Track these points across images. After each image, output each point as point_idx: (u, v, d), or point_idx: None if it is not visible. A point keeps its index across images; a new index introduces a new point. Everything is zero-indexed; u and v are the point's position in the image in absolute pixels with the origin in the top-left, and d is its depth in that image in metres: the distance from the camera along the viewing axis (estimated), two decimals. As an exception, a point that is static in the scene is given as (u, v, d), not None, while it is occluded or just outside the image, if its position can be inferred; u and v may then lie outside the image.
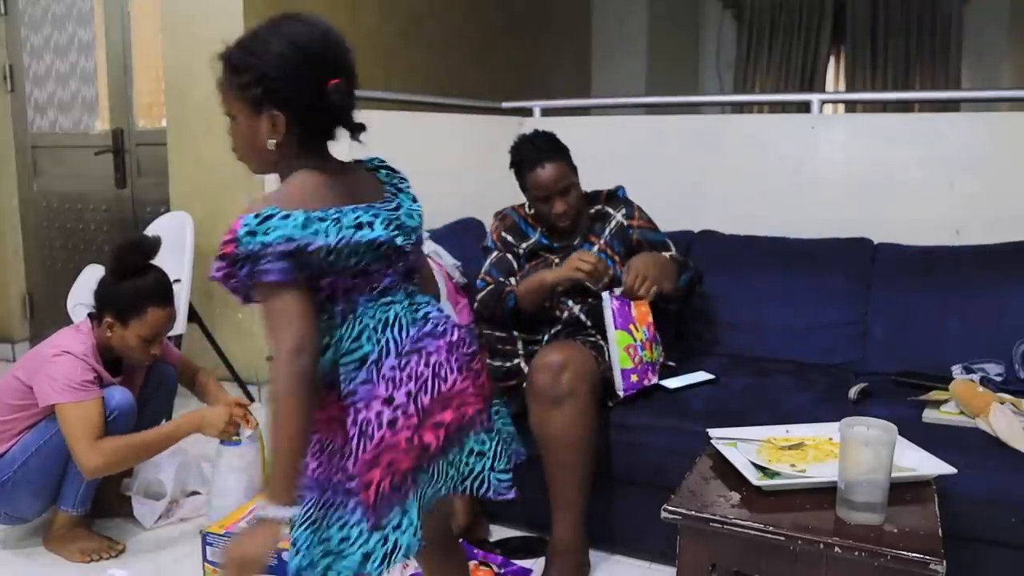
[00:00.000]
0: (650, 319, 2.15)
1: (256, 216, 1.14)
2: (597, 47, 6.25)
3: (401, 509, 1.19)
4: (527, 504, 2.15)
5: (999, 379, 2.08)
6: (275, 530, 1.16)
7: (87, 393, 1.95)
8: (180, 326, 2.97)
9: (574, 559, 1.90)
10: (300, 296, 1.17)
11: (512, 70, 5.10)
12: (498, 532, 2.18)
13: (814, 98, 2.92)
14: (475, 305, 2.31)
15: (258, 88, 1.19)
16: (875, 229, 2.60)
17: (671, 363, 2.35)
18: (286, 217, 1.14)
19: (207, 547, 1.93)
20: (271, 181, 3.24)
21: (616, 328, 2.05)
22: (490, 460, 1.32)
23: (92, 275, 3.00)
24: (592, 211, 2.33)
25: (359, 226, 1.20)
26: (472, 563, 1.92)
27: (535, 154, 2.18)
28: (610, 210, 2.33)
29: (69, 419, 1.93)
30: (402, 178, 1.37)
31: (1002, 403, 1.87)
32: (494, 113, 3.58)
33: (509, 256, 2.32)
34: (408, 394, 1.21)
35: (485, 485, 1.31)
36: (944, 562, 1.24)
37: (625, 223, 2.32)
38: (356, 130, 1.27)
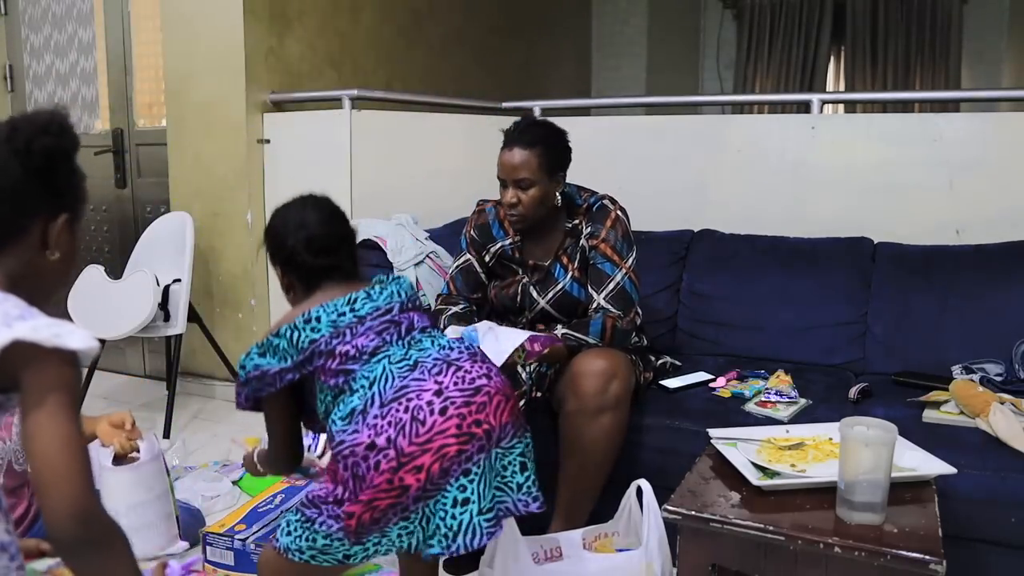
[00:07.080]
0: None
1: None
2: (597, 47, 6.25)
3: (380, 534, 1.36)
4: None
5: (999, 379, 2.07)
6: None
7: None
8: (180, 326, 2.98)
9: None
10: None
11: (512, 70, 5.09)
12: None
13: (814, 98, 2.92)
14: (434, 308, 2.21)
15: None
16: (875, 229, 2.60)
17: (670, 363, 2.35)
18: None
19: (207, 547, 1.94)
20: (270, 184, 3.25)
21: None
22: (476, 504, 1.35)
23: (92, 275, 3.01)
24: (569, 225, 2.09)
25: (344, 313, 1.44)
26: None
27: (511, 135, 2.05)
28: (583, 226, 2.08)
29: None
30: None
31: (1002, 403, 1.87)
32: (494, 113, 3.58)
33: (476, 265, 2.19)
34: (388, 439, 1.34)
35: (476, 535, 1.35)
36: (944, 562, 1.25)
37: (587, 244, 2.07)
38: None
